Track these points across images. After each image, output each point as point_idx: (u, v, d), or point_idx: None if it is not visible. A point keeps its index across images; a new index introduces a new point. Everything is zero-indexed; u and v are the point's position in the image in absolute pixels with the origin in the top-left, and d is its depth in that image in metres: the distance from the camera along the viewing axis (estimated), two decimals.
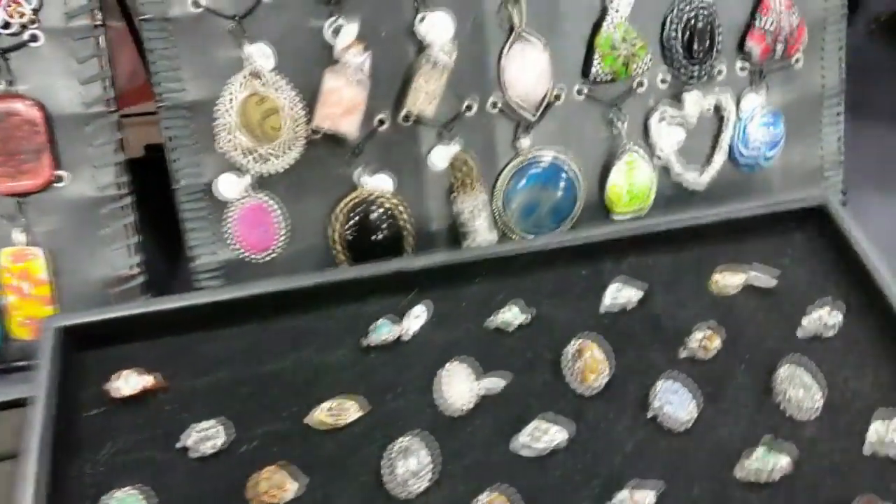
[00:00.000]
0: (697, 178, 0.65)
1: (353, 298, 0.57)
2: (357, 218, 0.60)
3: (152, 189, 0.61)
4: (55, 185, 0.58)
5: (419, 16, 0.57)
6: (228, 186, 0.59)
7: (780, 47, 0.63)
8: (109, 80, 0.57)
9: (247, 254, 0.60)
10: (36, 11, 0.55)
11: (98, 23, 0.56)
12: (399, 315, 0.56)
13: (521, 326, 0.56)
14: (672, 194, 0.66)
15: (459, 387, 0.52)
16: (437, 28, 0.57)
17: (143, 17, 0.56)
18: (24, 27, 0.55)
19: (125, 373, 0.52)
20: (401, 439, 0.50)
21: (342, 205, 0.60)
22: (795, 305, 0.57)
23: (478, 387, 0.52)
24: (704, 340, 0.55)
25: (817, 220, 0.61)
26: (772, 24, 0.62)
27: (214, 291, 0.56)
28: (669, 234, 0.60)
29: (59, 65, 0.56)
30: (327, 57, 0.57)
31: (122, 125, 0.59)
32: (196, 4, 0.56)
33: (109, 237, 0.59)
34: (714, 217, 0.60)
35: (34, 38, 0.56)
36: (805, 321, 0.56)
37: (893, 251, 0.63)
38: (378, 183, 0.61)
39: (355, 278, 0.56)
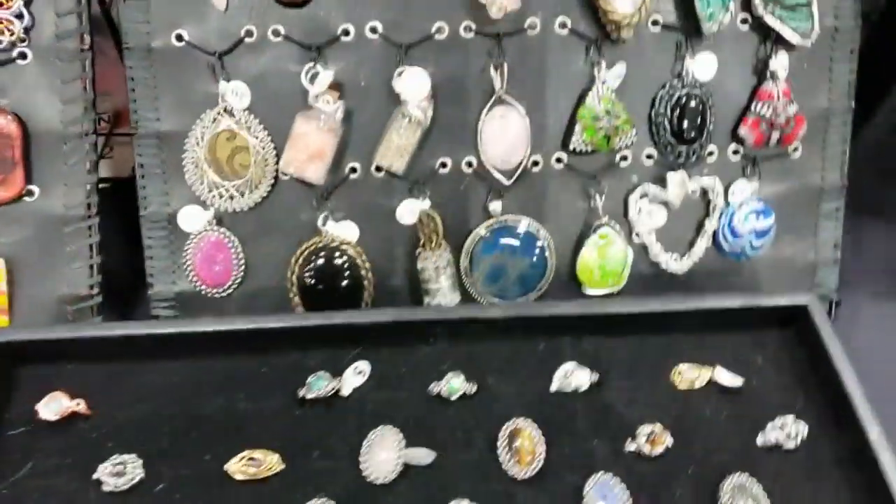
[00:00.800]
0: (677, 263, 0.62)
1: (296, 347, 0.55)
2: (317, 263, 0.59)
3: (135, 210, 0.62)
4: (25, 198, 0.58)
5: (397, 70, 0.57)
6: (191, 219, 0.59)
7: (775, 136, 0.60)
8: (91, 103, 0.58)
9: (203, 287, 0.60)
10: (27, 30, 0.57)
11: (86, 47, 0.58)
12: (340, 370, 0.55)
13: (463, 397, 0.54)
14: (649, 274, 0.63)
15: (385, 454, 0.50)
16: (414, 84, 0.56)
17: (126, 46, 0.57)
18: (13, 45, 0.57)
19: (52, 395, 0.52)
20: (312, 501, 0.48)
21: (303, 249, 0.59)
22: (760, 411, 0.53)
23: (403, 457, 0.50)
24: (653, 436, 0.51)
25: (797, 323, 0.57)
26: (768, 111, 0.59)
27: (153, 323, 0.56)
28: (635, 318, 0.57)
29: (44, 83, 0.58)
30: (303, 101, 0.57)
31: (112, 145, 0.60)
32: (179, 38, 0.57)
33: (72, 255, 0.59)
34: (685, 306, 0.57)
35: (23, 56, 0.57)
36: (767, 429, 0.52)
37: (884, 362, 0.59)
38: (343, 230, 0.60)
39: (299, 327, 0.55)
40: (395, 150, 0.57)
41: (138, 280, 0.66)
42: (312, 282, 0.59)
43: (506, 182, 0.59)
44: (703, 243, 0.62)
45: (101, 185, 0.60)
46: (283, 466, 0.50)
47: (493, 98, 0.58)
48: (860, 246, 0.70)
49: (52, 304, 0.60)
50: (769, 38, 0.59)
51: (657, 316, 0.57)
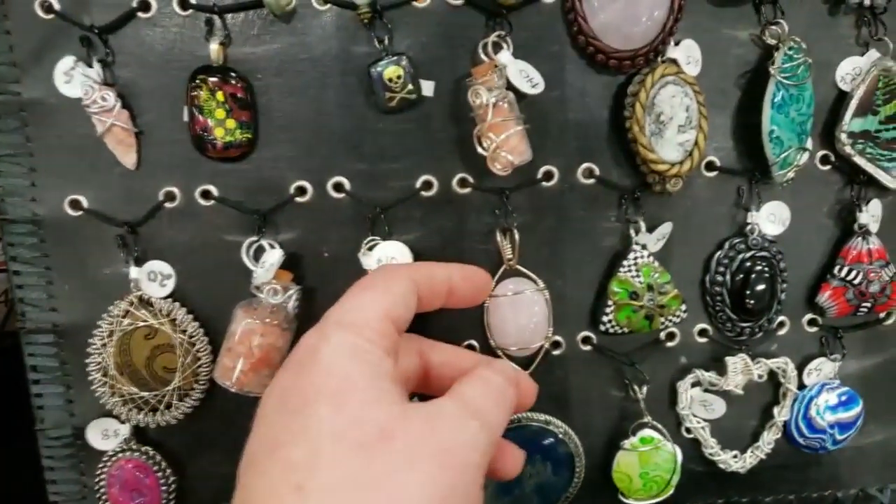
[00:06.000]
0: (738, 462, 0.48)
1: None
2: None
3: None
4: None
5: (366, 242, 0.42)
6: (101, 437, 0.44)
7: (865, 305, 0.46)
8: None
9: None
10: None
11: None
12: None
13: None
14: (703, 472, 0.49)
15: None
16: (391, 260, 0.42)
17: (4, 217, 0.42)
18: None
19: None
20: None
21: None
22: None
23: None
24: None
25: None
26: (856, 276, 0.46)
27: None
28: None
29: None
30: (247, 277, 0.43)
31: None
32: (75, 206, 0.42)
33: None
34: None
35: None
36: None
37: None
38: None
39: None
40: None
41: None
42: None
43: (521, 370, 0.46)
44: (771, 436, 0.48)
45: None
46: None
47: (503, 270, 0.44)
48: None
49: None
50: (857, 181, 0.46)
51: None
